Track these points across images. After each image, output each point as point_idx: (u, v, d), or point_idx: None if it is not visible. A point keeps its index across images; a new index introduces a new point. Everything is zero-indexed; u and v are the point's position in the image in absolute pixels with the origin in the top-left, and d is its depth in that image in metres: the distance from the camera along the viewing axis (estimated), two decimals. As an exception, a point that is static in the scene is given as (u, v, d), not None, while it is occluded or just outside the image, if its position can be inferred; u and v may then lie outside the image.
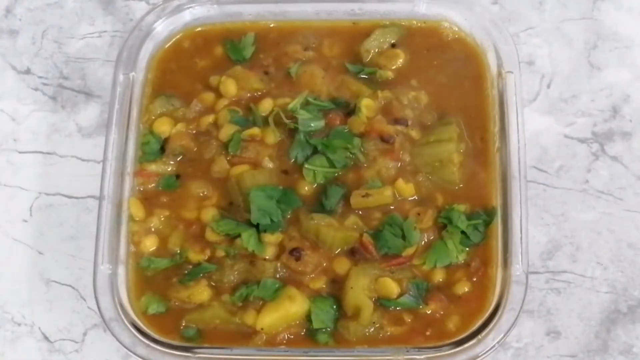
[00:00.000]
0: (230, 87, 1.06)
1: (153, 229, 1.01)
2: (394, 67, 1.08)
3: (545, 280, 1.03)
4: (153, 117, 1.06)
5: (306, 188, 1.01)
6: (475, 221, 0.98)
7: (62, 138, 1.13)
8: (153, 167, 1.04)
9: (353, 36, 1.11)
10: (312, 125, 1.02)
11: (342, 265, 0.98)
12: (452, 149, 1.02)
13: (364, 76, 1.08)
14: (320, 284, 0.97)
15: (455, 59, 1.08)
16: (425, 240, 0.98)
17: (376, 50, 1.09)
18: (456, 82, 1.07)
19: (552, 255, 1.04)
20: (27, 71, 1.18)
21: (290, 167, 1.02)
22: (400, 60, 1.08)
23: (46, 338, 1.04)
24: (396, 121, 1.04)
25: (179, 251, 1.00)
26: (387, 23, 1.10)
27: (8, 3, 1.22)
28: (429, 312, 0.96)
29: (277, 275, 0.98)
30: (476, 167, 1.02)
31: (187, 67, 1.10)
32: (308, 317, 0.96)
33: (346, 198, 1.00)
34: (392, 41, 1.09)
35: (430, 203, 1.00)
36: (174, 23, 1.10)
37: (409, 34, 1.10)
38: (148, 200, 1.03)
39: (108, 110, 1.04)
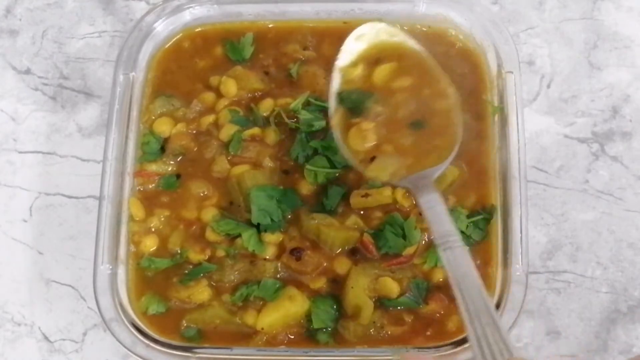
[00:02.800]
0: (230, 87, 1.06)
1: (153, 229, 1.01)
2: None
3: (545, 280, 1.03)
4: (153, 117, 1.06)
5: (307, 188, 1.01)
6: (476, 218, 0.98)
7: (62, 138, 1.13)
8: (153, 167, 1.04)
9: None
10: (313, 125, 1.02)
11: (342, 265, 0.98)
12: None
13: None
14: (321, 283, 0.97)
15: (457, 62, 1.08)
16: (426, 239, 0.98)
17: None
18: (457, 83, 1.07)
19: (552, 255, 1.04)
20: (27, 71, 1.18)
21: (291, 167, 1.02)
22: None
23: (46, 338, 1.04)
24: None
25: (179, 251, 1.00)
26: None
27: (8, 3, 1.22)
28: (429, 312, 0.96)
29: (278, 275, 0.98)
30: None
31: (187, 67, 1.10)
32: (308, 317, 0.96)
33: (347, 198, 1.00)
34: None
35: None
36: (174, 23, 1.10)
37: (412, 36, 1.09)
38: (148, 200, 1.03)
39: (108, 110, 1.04)
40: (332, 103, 0.98)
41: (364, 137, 0.94)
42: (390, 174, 0.92)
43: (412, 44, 1.00)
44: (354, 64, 0.99)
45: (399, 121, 0.96)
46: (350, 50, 1.00)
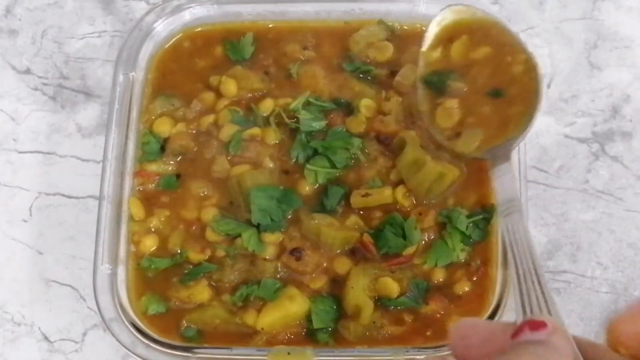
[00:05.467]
0: (230, 87, 1.06)
1: (153, 229, 1.01)
2: (383, 61, 1.08)
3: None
4: (153, 117, 1.06)
5: (307, 188, 1.01)
6: (476, 218, 0.98)
7: (62, 138, 1.13)
8: (153, 167, 1.04)
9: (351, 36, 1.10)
10: (313, 125, 1.02)
11: (342, 265, 0.97)
12: None
13: (361, 75, 1.07)
14: (321, 283, 0.97)
15: None
16: (426, 239, 0.98)
17: (365, 42, 1.08)
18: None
19: (552, 255, 1.04)
20: (27, 71, 1.18)
21: (291, 167, 1.02)
22: (390, 52, 1.08)
23: (46, 338, 1.04)
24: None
25: (179, 251, 1.00)
26: (376, 22, 1.10)
27: (8, 3, 1.22)
28: (429, 312, 0.96)
29: (278, 275, 0.98)
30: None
31: (187, 67, 1.10)
32: (308, 317, 0.96)
33: (347, 198, 1.00)
34: (381, 36, 1.09)
35: (431, 203, 1.00)
36: (173, 23, 1.10)
37: (412, 36, 1.09)
38: (148, 200, 1.03)
39: (108, 110, 1.04)
40: (419, 90, 1.02)
41: (449, 114, 0.99)
42: (475, 148, 0.96)
43: (480, 14, 1.02)
44: (433, 47, 1.03)
45: (478, 91, 0.99)
46: (429, 35, 1.04)
